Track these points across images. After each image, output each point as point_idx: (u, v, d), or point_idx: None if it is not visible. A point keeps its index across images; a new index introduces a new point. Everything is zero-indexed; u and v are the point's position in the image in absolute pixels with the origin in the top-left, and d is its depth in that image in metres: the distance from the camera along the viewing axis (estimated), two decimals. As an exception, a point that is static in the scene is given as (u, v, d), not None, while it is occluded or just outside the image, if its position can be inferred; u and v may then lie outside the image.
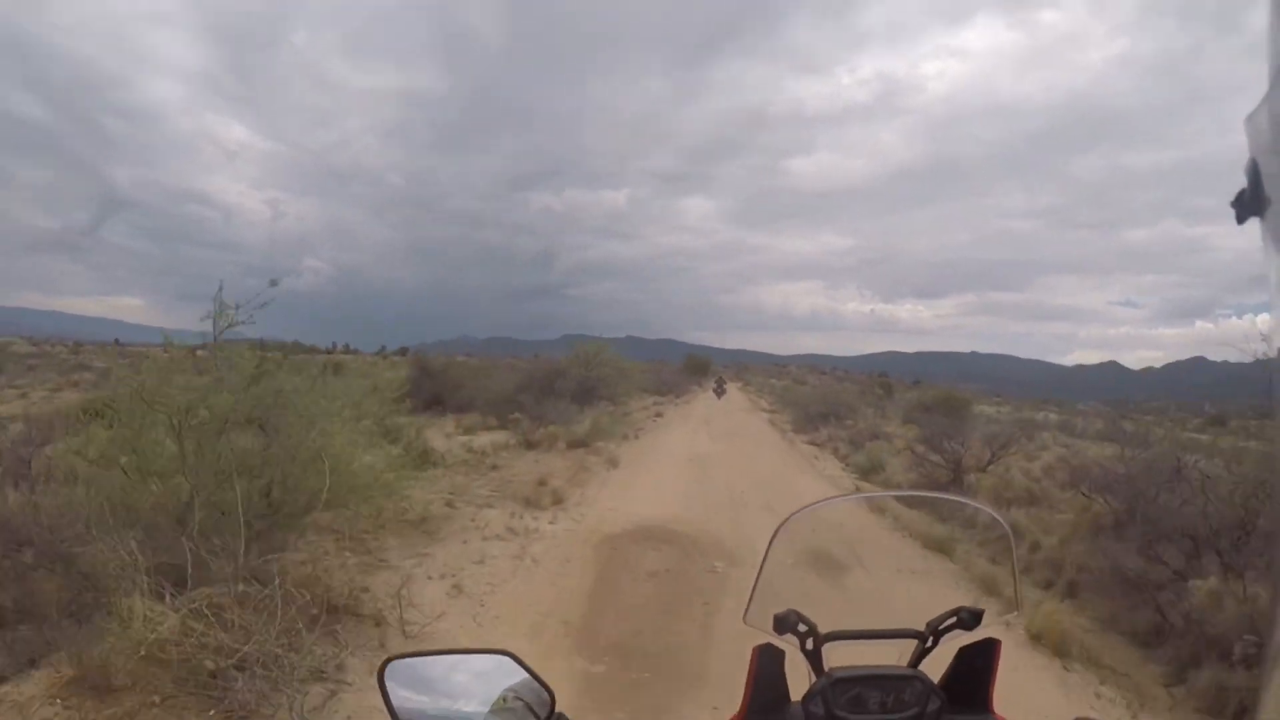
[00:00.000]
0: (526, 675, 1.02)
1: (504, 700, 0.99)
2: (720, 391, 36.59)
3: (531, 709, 0.99)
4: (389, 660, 1.05)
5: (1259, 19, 0.51)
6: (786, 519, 1.13)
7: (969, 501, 1.67)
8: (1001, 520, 1.36)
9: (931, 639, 1.10)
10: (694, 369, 55.96)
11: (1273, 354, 0.59)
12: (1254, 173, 0.53)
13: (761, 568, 1.10)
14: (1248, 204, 0.54)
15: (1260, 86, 0.50)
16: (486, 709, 1.00)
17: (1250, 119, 0.52)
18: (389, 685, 1.01)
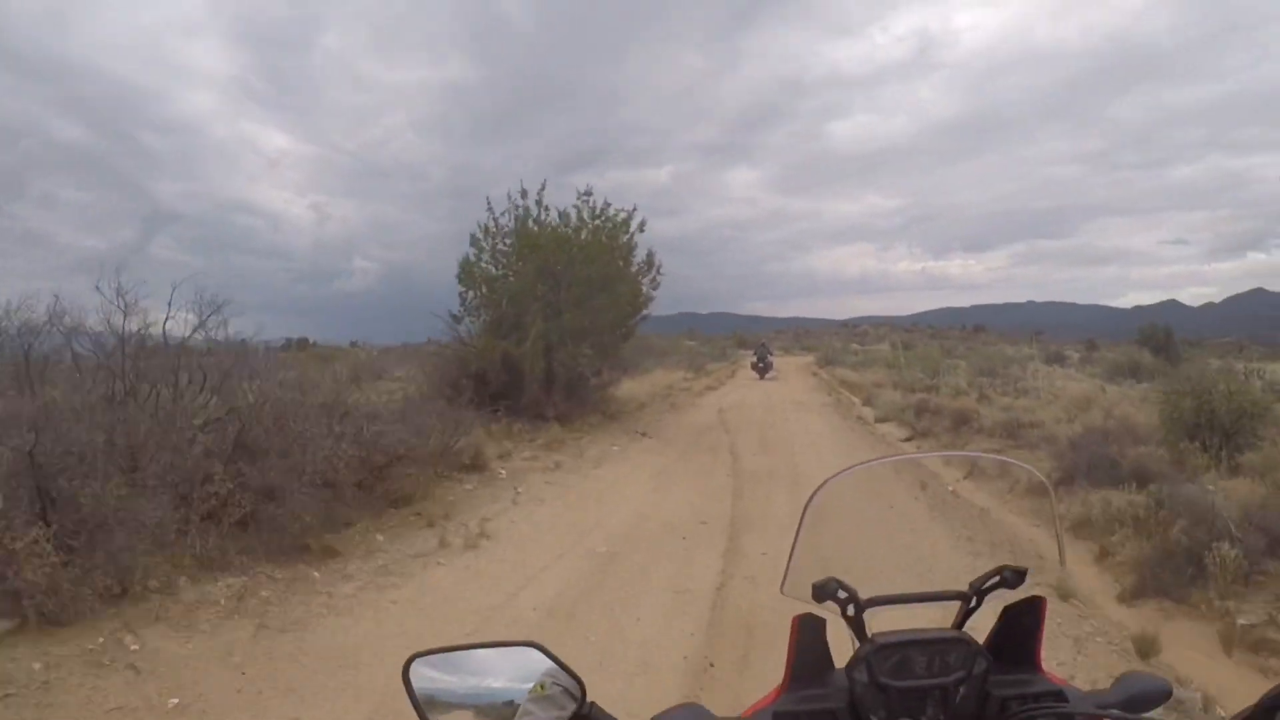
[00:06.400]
0: (555, 666, 0.96)
1: (541, 686, 0.94)
2: (764, 368, 24.60)
3: (571, 694, 0.95)
4: (413, 657, 0.97)
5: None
6: (820, 486, 1.09)
7: (1011, 460, 1.62)
8: (1043, 478, 1.32)
9: (975, 599, 1.05)
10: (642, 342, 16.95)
11: None
12: None
13: (797, 537, 1.05)
14: None
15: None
16: (521, 697, 0.95)
17: None
18: (414, 682, 0.95)
